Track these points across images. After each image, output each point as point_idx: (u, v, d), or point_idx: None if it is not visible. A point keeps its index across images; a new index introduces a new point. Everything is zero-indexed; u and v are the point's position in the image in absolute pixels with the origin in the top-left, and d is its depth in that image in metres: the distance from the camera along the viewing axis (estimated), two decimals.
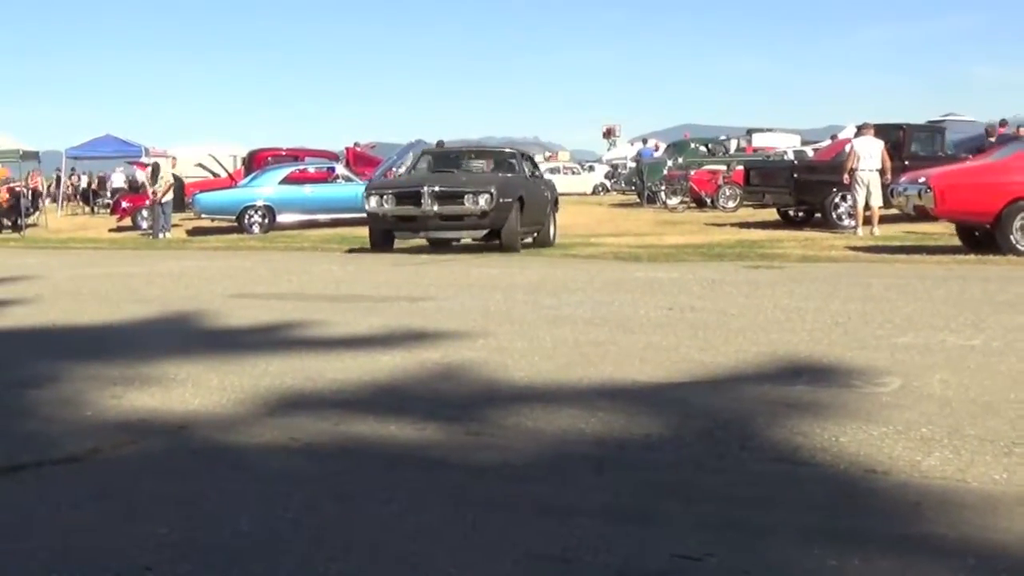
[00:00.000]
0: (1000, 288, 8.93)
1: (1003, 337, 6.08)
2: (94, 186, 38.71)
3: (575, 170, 48.91)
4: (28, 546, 2.84)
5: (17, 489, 3.47)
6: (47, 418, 4.44)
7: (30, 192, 28.56)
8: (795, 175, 19.81)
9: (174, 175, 23.89)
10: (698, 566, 2.63)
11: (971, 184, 13.02)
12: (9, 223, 26.89)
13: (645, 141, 40.34)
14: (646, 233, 19.38)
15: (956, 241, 13.85)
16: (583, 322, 7.07)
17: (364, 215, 16.03)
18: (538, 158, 32.07)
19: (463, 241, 15.68)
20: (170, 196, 23.08)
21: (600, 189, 44.87)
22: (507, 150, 18.35)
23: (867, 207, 17.16)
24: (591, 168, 50.77)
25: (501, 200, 14.56)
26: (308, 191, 23.56)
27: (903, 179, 14.45)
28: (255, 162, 28.09)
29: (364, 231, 16.76)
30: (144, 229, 24.37)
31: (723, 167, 27.82)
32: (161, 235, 22.24)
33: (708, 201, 26.10)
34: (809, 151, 28.77)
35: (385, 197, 15.24)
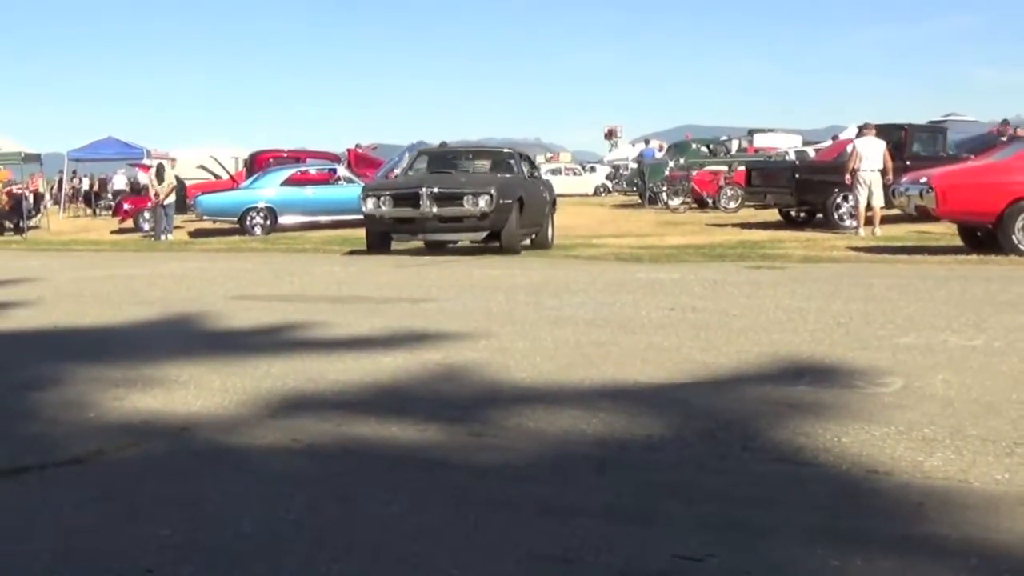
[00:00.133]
0: (1002, 288, 8.93)
1: (1005, 337, 6.07)
2: (96, 188, 38.72)
3: (576, 171, 48.98)
4: (31, 548, 2.85)
5: (20, 491, 3.48)
6: (50, 420, 4.45)
7: (32, 194, 28.58)
8: (797, 175, 19.78)
9: (176, 177, 23.91)
10: (699, 567, 2.64)
11: (973, 184, 13.00)
12: (11, 225, 26.90)
13: (647, 142, 40.35)
14: (648, 234, 19.36)
15: (958, 241, 13.84)
16: (585, 323, 7.07)
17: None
18: (540, 159, 32.04)
19: (460, 243, 15.52)
20: (173, 198, 23.09)
21: (601, 190, 44.91)
22: (505, 150, 17.92)
23: (869, 207, 17.13)
24: (592, 169, 50.81)
25: (501, 201, 14.32)
26: (310, 193, 23.54)
27: (905, 179, 14.43)
28: (257, 164, 28.08)
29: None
30: (146, 231, 24.39)
31: (725, 168, 27.81)
32: (163, 237, 22.24)
33: (710, 202, 26.09)
34: (811, 151, 28.76)
35: (382, 199, 14.91)
